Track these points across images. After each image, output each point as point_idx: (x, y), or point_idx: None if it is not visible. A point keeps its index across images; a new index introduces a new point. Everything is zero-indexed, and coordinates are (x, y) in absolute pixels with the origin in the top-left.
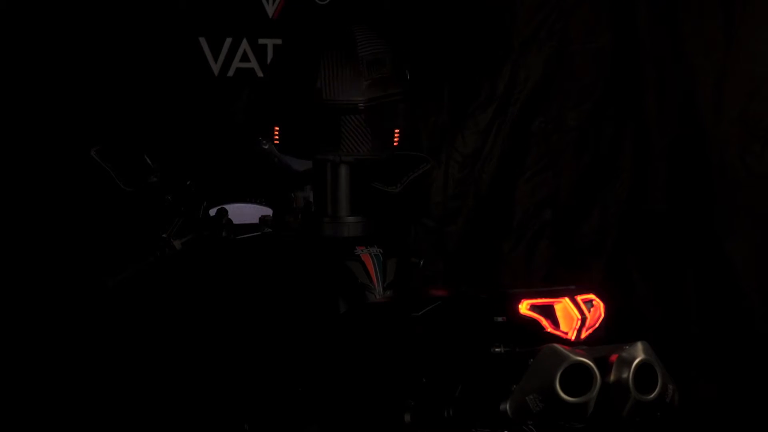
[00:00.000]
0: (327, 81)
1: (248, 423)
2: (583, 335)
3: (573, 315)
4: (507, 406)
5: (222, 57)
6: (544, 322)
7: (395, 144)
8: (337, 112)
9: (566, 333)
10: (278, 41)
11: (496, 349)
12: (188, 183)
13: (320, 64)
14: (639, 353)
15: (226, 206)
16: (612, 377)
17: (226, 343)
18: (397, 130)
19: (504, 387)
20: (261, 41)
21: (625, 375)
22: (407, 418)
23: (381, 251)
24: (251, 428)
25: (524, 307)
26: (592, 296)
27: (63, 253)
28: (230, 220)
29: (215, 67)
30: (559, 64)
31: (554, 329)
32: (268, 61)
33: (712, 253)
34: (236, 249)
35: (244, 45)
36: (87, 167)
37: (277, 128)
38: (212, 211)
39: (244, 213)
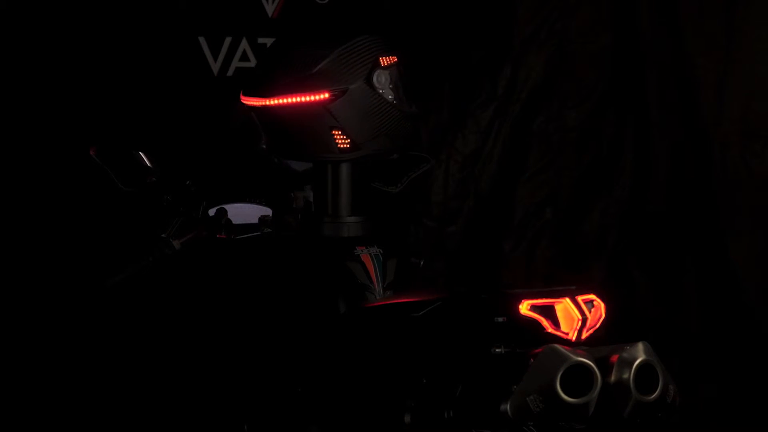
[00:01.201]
0: (252, 77)
1: (248, 423)
2: (584, 335)
3: (574, 315)
4: (507, 407)
5: (221, 56)
6: (544, 322)
7: (343, 146)
8: (254, 109)
9: (567, 333)
10: None
11: (497, 350)
12: (187, 183)
13: (259, 61)
14: (640, 354)
15: (226, 206)
16: (613, 378)
17: (225, 343)
18: (336, 132)
19: (504, 387)
20: (260, 40)
21: (626, 375)
22: (407, 418)
23: (381, 251)
24: (251, 428)
25: (524, 308)
26: (592, 296)
27: (62, 253)
28: (230, 220)
29: (215, 67)
30: (560, 63)
31: (555, 329)
32: None
33: (713, 253)
34: (235, 249)
35: (244, 44)
36: (86, 167)
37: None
38: (212, 211)
39: (243, 213)
